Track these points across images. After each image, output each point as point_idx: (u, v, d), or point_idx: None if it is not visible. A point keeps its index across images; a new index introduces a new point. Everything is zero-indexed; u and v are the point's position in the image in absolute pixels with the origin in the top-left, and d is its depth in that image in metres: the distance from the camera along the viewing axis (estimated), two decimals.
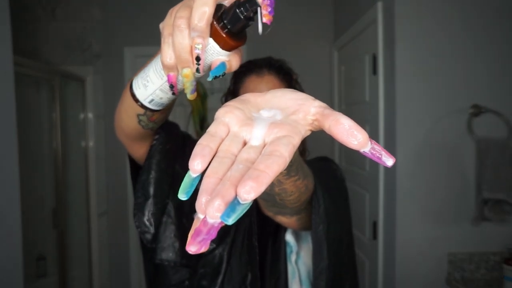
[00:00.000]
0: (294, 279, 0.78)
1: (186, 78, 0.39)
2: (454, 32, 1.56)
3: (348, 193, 0.81)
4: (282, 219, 0.61)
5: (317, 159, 0.86)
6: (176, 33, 0.36)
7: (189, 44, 0.37)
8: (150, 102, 0.51)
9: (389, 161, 0.27)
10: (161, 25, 0.40)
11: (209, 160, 0.27)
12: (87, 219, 2.57)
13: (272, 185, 0.45)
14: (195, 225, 0.25)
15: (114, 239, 2.71)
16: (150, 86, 0.49)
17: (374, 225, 1.82)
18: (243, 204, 0.23)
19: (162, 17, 0.40)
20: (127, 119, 0.60)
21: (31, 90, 2.46)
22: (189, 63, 0.38)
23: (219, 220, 0.23)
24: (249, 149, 0.28)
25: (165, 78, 0.45)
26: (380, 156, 0.27)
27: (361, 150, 0.27)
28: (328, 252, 0.62)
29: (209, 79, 0.39)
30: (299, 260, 0.80)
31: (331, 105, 2.63)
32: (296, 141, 0.27)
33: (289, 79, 0.86)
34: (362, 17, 1.98)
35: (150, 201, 0.71)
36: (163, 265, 0.74)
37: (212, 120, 0.31)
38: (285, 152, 0.25)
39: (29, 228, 1.79)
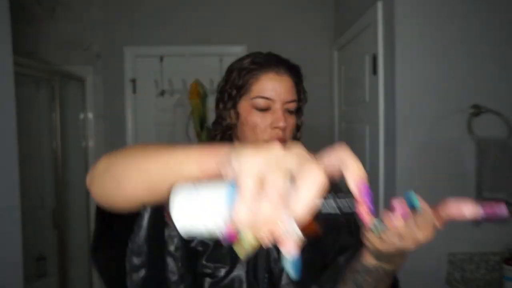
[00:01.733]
0: None
1: (247, 242, 0.34)
2: (454, 32, 1.56)
3: None
4: None
5: None
6: (265, 204, 0.31)
7: (273, 218, 0.31)
8: (186, 232, 0.39)
9: (502, 210, 0.26)
10: (236, 170, 0.33)
11: None
12: (87, 219, 2.57)
13: None
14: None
15: None
16: (195, 222, 0.38)
17: None
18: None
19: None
20: (130, 194, 0.47)
21: (31, 90, 2.46)
22: (261, 233, 0.32)
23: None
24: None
25: (221, 228, 0.36)
26: (494, 211, 0.26)
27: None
28: None
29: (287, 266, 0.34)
30: None
31: (331, 105, 2.63)
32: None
33: (300, 86, 0.83)
34: (362, 17, 1.98)
35: None
36: None
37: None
38: None
39: (29, 228, 1.79)
